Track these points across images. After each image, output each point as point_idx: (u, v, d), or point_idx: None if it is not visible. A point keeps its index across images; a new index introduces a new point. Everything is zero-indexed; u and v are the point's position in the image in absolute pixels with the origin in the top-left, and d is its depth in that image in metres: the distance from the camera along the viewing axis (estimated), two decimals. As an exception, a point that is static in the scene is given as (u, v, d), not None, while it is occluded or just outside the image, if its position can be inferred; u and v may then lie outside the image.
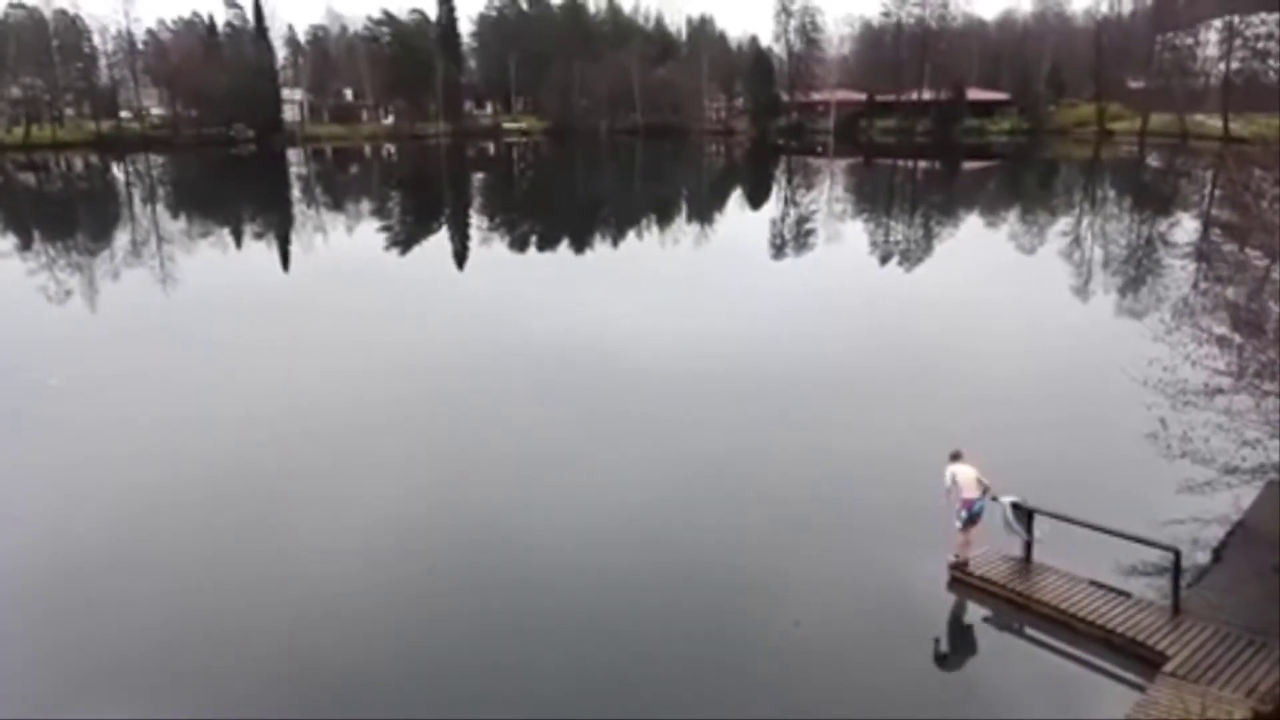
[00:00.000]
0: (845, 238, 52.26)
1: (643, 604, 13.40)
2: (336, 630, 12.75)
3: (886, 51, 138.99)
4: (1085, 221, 58.31)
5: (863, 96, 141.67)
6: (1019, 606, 13.13)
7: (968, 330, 29.39)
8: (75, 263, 47.07)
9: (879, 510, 16.07)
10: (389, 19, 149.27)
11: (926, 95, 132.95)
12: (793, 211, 66.68)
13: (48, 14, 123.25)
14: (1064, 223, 56.55)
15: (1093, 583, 13.20)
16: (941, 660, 12.31)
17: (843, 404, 21.98)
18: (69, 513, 16.29)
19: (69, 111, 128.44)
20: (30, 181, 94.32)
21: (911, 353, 26.38)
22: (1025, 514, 13.69)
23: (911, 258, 45.85)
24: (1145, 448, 15.62)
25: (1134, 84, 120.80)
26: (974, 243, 50.53)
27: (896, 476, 17.30)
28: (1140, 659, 11.75)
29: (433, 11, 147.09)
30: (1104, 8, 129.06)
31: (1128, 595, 12.93)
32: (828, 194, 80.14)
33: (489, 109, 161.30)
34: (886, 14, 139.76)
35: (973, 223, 59.51)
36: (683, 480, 17.57)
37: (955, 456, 14.11)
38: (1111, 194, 75.70)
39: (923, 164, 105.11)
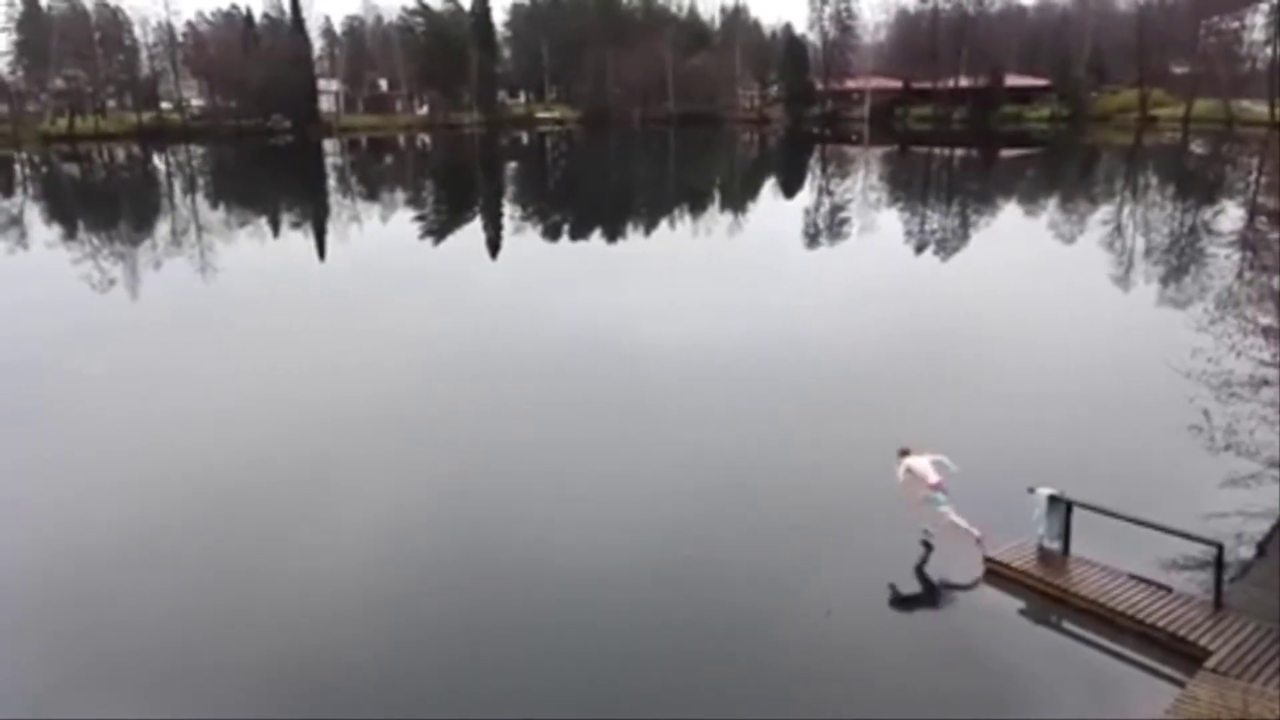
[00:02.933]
0: (880, 227, 51.79)
1: (672, 597, 13.38)
2: (355, 627, 12.84)
3: (923, 38, 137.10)
4: (1127, 209, 57.23)
5: (898, 84, 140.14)
6: (1056, 600, 12.97)
7: (1005, 320, 29.00)
8: (118, 252, 47.93)
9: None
10: (423, 9, 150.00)
11: (963, 82, 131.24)
12: (827, 200, 66.17)
13: (89, 6, 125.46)
14: (1105, 211, 55.53)
15: (1133, 576, 13.01)
16: (977, 654, 12.19)
17: (878, 395, 21.78)
18: (101, 502, 16.58)
19: (111, 103, 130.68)
20: (74, 172, 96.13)
21: (948, 343, 26.09)
22: (1064, 506, 13.52)
23: (948, 247, 45.32)
24: (1188, 440, 15.36)
25: (1178, 69, 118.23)
26: (1012, 231, 49.84)
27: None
28: (1181, 654, 11.57)
29: (467, 1, 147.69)
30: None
31: (1169, 590, 12.73)
32: (862, 182, 79.41)
33: (522, 98, 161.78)
34: (923, 0, 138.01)
35: (1011, 211, 58.69)
36: (713, 471, 17.51)
37: (904, 453, 14.44)
38: (1154, 181, 74.18)
39: (959, 152, 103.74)
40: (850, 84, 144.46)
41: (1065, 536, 13.63)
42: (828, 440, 18.88)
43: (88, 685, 11.59)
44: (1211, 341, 15.62)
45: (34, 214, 63.63)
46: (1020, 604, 13.10)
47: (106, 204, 71.14)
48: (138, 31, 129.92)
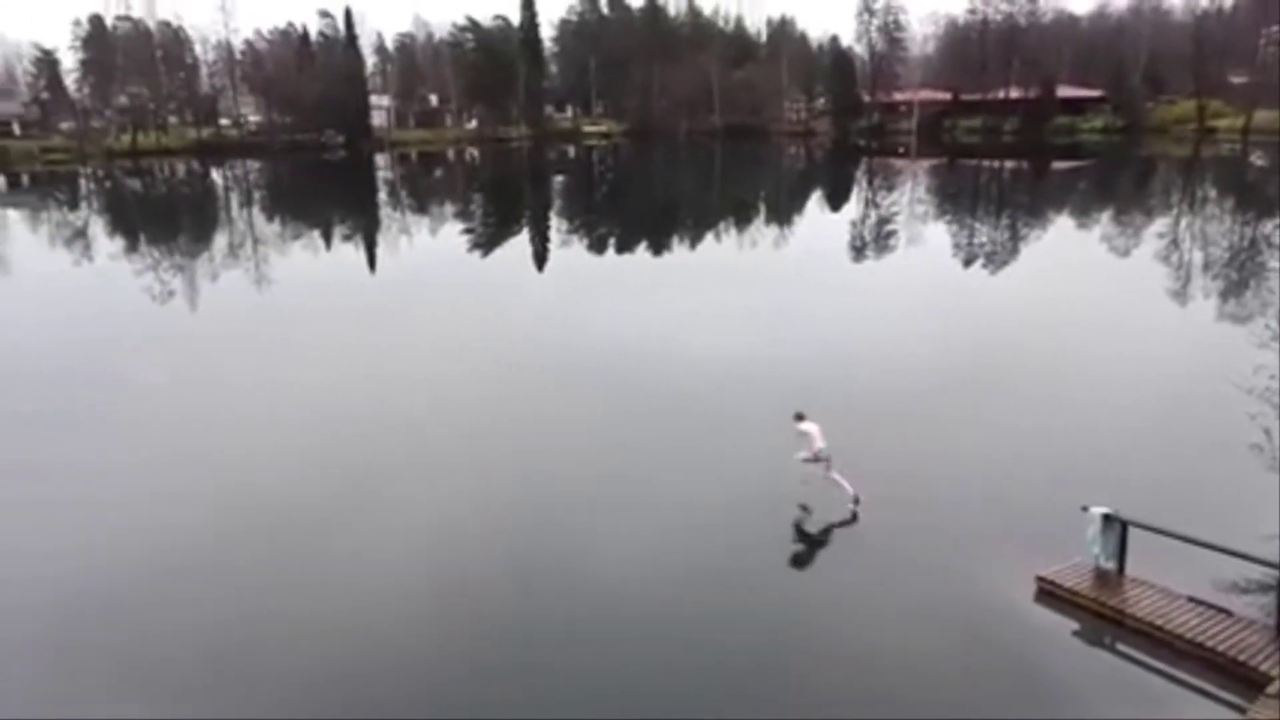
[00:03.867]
0: (928, 240, 51.30)
1: (719, 609, 13.41)
2: (405, 630, 13.06)
3: (972, 49, 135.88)
4: (1184, 222, 55.99)
5: (947, 96, 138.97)
6: (1111, 621, 12.73)
7: (1057, 334, 28.53)
8: (177, 264, 49.26)
9: (966, 518, 15.77)
10: (473, 25, 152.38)
11: (1014, 93, 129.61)
12: (873, 213, 65.71)
13: (152, 26, 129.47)
14: (1161, 224, 54.42)
15: (1191, 599, 12.72)
16: (1029, 675, 11.99)
17: (928, 410, 21.56)
18: (155, 510, 17.01)
19: (172, 119, 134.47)
20: (137, 186, 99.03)
21: (998, 357, 25.78)
22: (1119, 526, 13.29)
23: (997, 260, 44.74)
24: (1249, 459, 15.03)
25: (1236, 79, 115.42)
26: (1064, 245, 49.01)
27: (986, 485, 16.99)
28: (1241, 679, 11.28)
29: (516, 17, 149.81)
30: (1204, 0, 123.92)
31: (1229, 613, 12.43)
32: (909, 195, 78.74)
33: (569, 112, 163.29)
34: (972, 11, 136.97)
35: (1063, 224, 57.73)
36: (759, 484, 17.47)
37: (800, 417, 16.38)
38: (1212, 194, 72.48)
39: (1010, 164, 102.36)
40: (898, 96, 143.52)
41: (1120, 556, 13.38)
42: (875, 453, 18.73)
43: (137, 688, 11.93)
44: (1274, 358, 15.25)
45: (98, 227, 65.75)
46: (1074, 625, 12.88)
47: (167, 217, 73.18)
48: (198, 49, 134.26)
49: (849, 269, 43.65)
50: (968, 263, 44.33)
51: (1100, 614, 12.85)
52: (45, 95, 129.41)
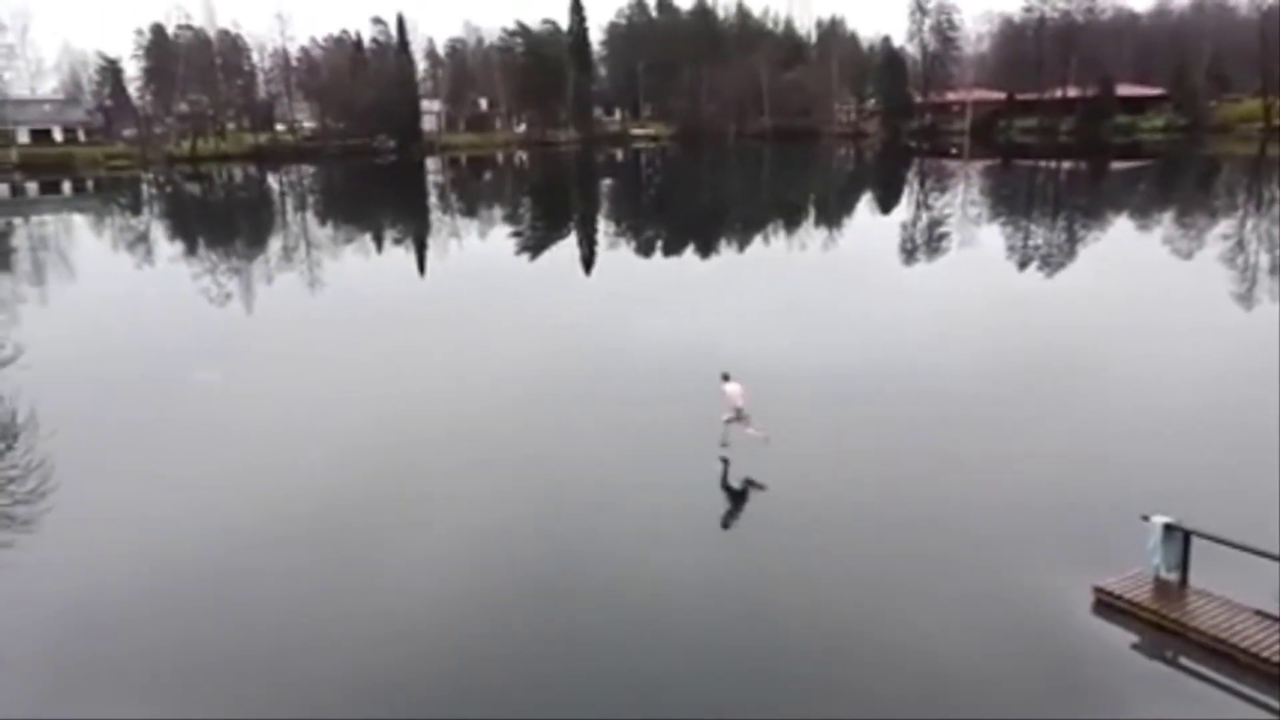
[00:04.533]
0: (981, 242, 50.37)
1: (776, 617, 13.23)
2: (451, 635, 13.07)
3: (1028, 47, 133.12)
4: (1249, 224, 54.21)
5: (1001, 95, 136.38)
6: (1173, 634, 12.28)
7: (1116, 338, 27.79)
8: (234, 267, 50.31)
9: (1024, 527, 15.41)
10: (523, 30, 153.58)
11: (1071, 92, 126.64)
12: (925, 215, 64.74)
13: (212, 34, 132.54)
14: (1225, 225, 52.77)
15: (1257, 612, 12.22)
16: (1088, 689, 11.61)
17: (983, 417, 21.10)
18: (212, 510, 17.34)
19: (230, 125, 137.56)
20: (196, 191, 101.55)
21: (1057, 362, 25.13)
22: (1181, 536, 12.82)
23: (1053, 262, 43.72)
24: (1319, 469, 14.41)
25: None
26: (1123, 246, 47.77)
27: (1043, 492, 16.57)
28: (1312, 698, 10.81)
29: (565, 21, 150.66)
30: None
31: (1298, 628, 11.93)
32: (962, 196, 77.45)
33: (617, 115, 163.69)
34: (1029, 9, 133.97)
35: (1122, 225, 56.25)
36: (813, 493, 17.24)
37: (725, 378, 18.73)
38: (1279, 194, 70.13)
39: (1066, 164, 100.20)
40: (951, 96, 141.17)
41: (1183, 568, 12.91)
42: (930, 456, 18.40)
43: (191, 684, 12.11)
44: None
45: (158, 231, 67.51)
46: (1133, 637, 12.45)
47: (224, 221, 74.92)
48: (255, 57, 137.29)
49: (901, 272, 43.01)
50: (1023, 265, 43.42)
51: (1161, 626, 12.41)
52: (109, 103, 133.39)
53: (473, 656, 12.39)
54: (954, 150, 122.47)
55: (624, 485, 17.71)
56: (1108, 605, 12.99)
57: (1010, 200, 74.90)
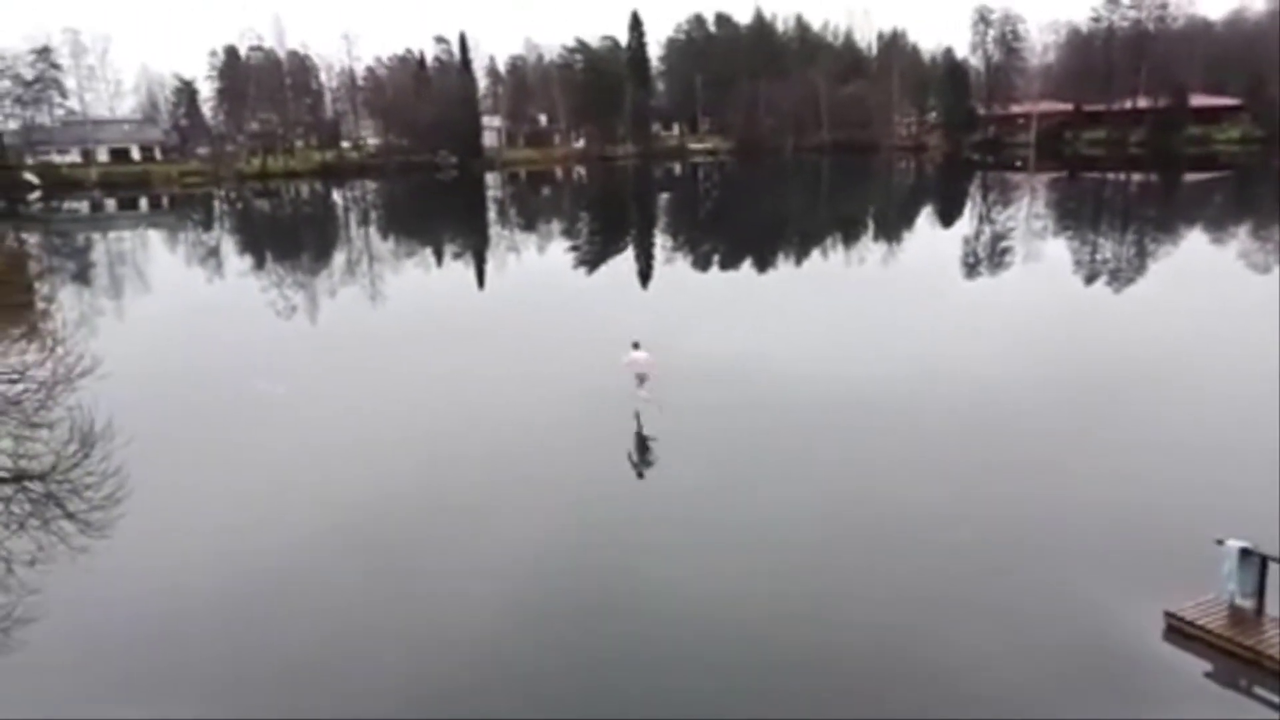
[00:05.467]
0: (1046, 256, 49.30)
1: (839, 640, 13.08)
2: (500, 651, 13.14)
3: (1096, 57, 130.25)
4: (1332, 237, 52.16)
5: (1068, 107, 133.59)
6: (1248, 663, 11.82)
7: (1188, 356, 26.92)
8: (299, 281, 51.60)
9: (1094, 547, 15.00)
10: (582, 46, 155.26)
11: (1141, 103, 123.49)
12: (987, 228, 63.58)
13: (282, 55, 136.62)
14: (1306, 239, 50.85)
15: (1341, 642, 11.71)
16: (1153, 715, 11.23)
17: (1050, 432, 20.62)
18: (267, 520, 17.77)
19: (298, 143, 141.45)
20: (265, 207, 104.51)
21: (1128, 380, 24.43)
22: (1258, 561, 12.34)
23: (1122, 277, 42.57)
24: None
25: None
26: (1196, 261, 46.33)
27: (1116, 513, 16.12)
28: (1401, 734, 10.29)
29: (624, 37, 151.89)
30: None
31: (1385, 660, 11.37)
32: (1027, 210, 75.91)
33: (675, 130, 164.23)
34: (1097, 18, 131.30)
35: (1195, 239, 54.58)
36: (868, 517, 17.00)
37: (635, 345, 22.21)
38: (1365, 206, 67.34)
39: (1137, 177, 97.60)
40: (1015, 108, 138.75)
41: (1259, 594, 12.42)
42: (996, 473, 18.02)
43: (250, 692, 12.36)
44: None
45: (229, 246, 69.64)
46: (1206, 665, 12.01)
47: (291, 236, 76.96)
48: (323, 76, 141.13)
49: (963, 286, 42.26)
50: (1090, 279, 42.36)
51: (1235, 654, 11.96)
52: (184, 122, 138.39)
53: (530, 671, 12.48)
54: (1018, 163, 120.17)
55: (678, 494, 17.70)
56: (1179, 631, 12.56)
57: (1077, 213, 73.20)
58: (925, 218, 75.66)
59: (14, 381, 16.65)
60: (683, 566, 15.06)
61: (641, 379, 21.55)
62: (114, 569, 15.09)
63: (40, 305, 24.45)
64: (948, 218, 73.72)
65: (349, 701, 11.89)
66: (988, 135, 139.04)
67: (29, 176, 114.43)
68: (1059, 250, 51.17)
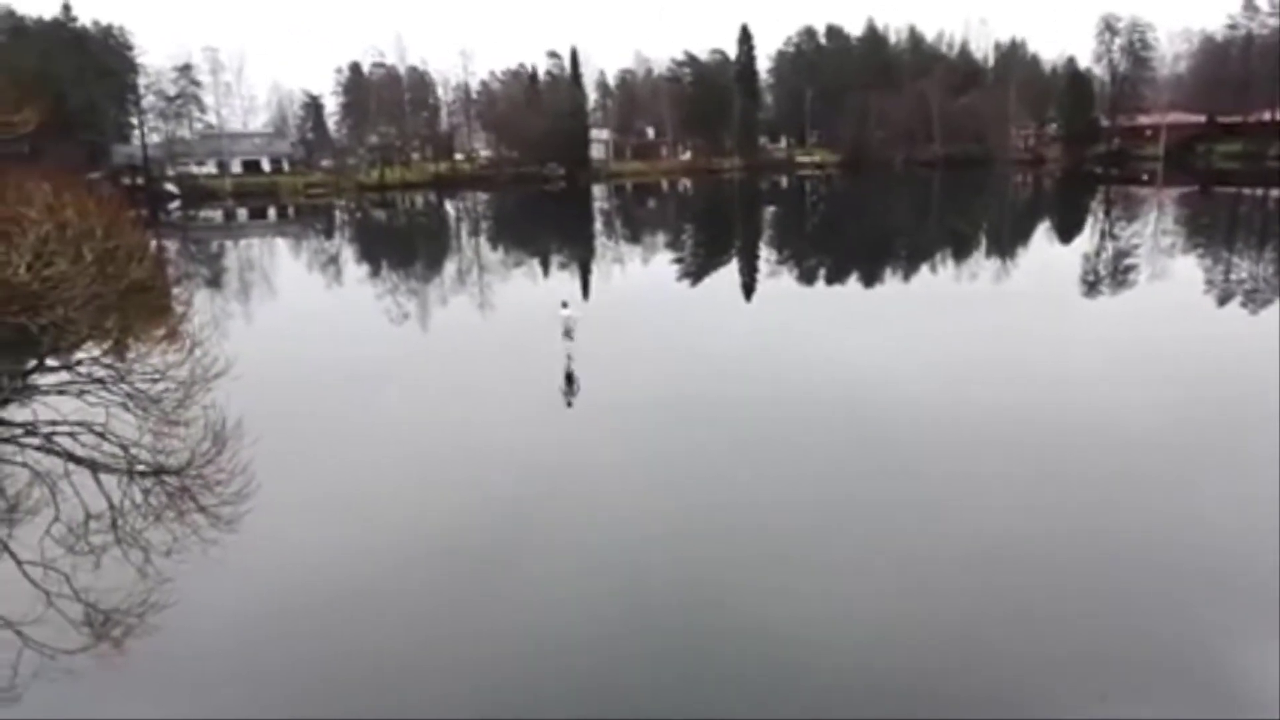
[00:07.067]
0: (1174, 275, 46.92)
1: (933, 683, 12.80)
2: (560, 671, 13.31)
3: (1233, 67, 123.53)
4: None
5: (1200, 118, 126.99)
6: (1398, 720, 10.97)
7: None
8: (412, 289, 53.43)
9: (1212, 589, 14.22)
10: (691, 60, 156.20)
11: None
12: (1110, 245, 60.90)
13: (402, 71, 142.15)
14: None
15: None
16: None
17: (1172, 470, 19.64)
18: (398, 523, 18.35)
19: (415, 155, 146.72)
20: (381, 217, 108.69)
21: (1258, 407, 23.03)
22: None
23: (1259, 299, 40.13)
24: None
25: None
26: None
27: (1239, 554, 15.24)
28: None
29: (733, 51, 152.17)
30: None
31: None
32: (1154, 226, 72.38)
33: (782, 142, 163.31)
34: (1233, 26, 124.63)
35: (1342, 259, 51.04)
36: (974, 554, 16.49)
37: (564, 304, 28.80)
38: None
39: (1275, 192, 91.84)
40: (1142, 119, 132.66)
41: None
42: (1115, 512, 17.28)
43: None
44: None
45: (348, 254, 72.73)
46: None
47: (406, 245, 79.80)
48: (440, 91, 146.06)
49: (1078, 305, 40.61)
50: (1223, 301, 40.10)
51: (1384, 711, 11.11)
52: (310, 135, 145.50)
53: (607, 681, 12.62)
54: (1145, 177, 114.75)
55: (770, 508, 17.59)
56: (1318, 681, 11.75)
57: (1209, 230, 69.40)
58: (1043, 233, 72.99)
59: (155, 381, 17.87)
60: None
61: (568, 332, 28.33)
62: (241, 568, 15.90)
63: (179, 309, 26.00)
64: (1067, 234, 70.94)
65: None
66: (1111, 148, 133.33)
67: (170, 187, 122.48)
68: (1189, 268, 48.60)
